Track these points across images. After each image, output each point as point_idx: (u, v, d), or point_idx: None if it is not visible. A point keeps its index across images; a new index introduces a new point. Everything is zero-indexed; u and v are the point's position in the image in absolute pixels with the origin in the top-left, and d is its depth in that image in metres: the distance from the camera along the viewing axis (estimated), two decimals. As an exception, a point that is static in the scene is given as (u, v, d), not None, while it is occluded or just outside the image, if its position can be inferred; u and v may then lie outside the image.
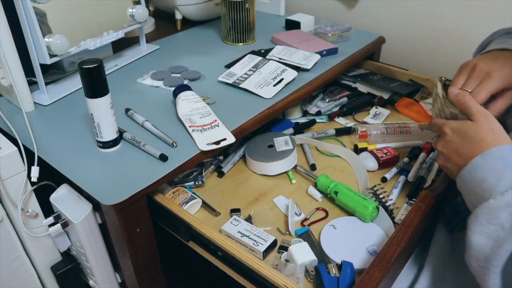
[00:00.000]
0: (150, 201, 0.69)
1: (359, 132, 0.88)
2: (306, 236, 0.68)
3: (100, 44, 0.90)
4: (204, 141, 0.72)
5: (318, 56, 0.98)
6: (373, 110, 1.00)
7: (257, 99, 0.86)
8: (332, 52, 1.04)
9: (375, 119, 0.97)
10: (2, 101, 0.85)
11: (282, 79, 0.89)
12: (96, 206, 0.68)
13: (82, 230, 0.68)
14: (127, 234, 0.65)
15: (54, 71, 0.95)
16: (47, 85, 0.89)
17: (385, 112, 0.99)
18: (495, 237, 0.49)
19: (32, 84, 0.85)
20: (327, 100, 1.04)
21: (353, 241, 0.67)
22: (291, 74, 0.91)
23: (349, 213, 0.72)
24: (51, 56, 0.80)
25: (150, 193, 0.69)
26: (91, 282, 0.82)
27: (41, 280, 0.81)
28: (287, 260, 0.62)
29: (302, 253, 0.61)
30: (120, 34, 0.94)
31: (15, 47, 0.75)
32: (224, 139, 0.73)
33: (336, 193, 0.72)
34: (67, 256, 0.81)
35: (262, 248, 0.63)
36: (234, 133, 0.75)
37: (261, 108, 0.82)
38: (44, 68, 0.87)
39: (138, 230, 0.67)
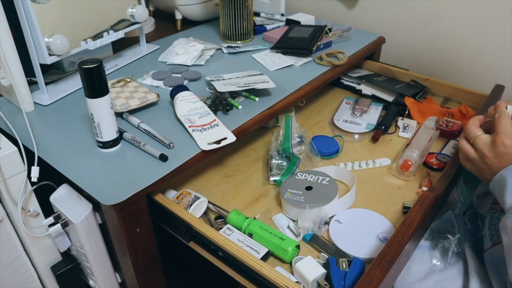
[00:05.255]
0: (150, 201, 0.69)
1: (401, 163, 0.80)
2: (315, 238, 0.67)
3: (100, 44, 0.90)
4: (205, 141, 0.72)
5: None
6: (400, 123, 0.95)
7: (257, 100, 0.86)
8: (327, 45, 1.07)
9: (406, 132, 0.93)
10: (2, 101, 0.85)
11: (253, 89, 0.85)
12: (96, 206, 0.68)
13: (82, 230, 0.68)
14: (127, 234, 0.65)
15: (54, 71, 0.95)
16: (47, 85, 0.89)
17: (412, 123, 0.95)
18: None
19: (32, 84, 0.85)
20: (358, 115, 0.97)
21: (361, 231, 0.68)
22: (265, 85, 0.86)
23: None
24: (51, 56, 0.80)
25: (150, 193, 0.69)
26: (91, 282, 0.82)
27: (41, 280, 0.81)
28: (297, 282, 0.61)
29: (310, 268, 0.60)
30: (120, 34, 0.94)
31: (15, 47, 0.75)
32: (225, 138, 0.73)
33: (250, 235, 0.66)
34: (67, 256, 0.81)
35: None
36: (234, 132, 0.75)
37: (261, 109, 0.82)
38: (44, 68, 0.87)
39: (138, 230, 0.67)
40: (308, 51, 1.01)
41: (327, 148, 0.87)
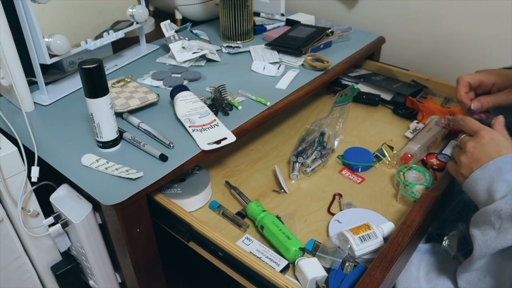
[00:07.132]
0: (150, 201, 0.69)
1: (401, 155, 0.82)
2: (317, 245, 0.66)
3: (100, 44, 0.90)
4: (205, 141, 0.72)
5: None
6: (413, 125, 0.94)
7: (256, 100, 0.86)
8: (327, 45, 1.07)
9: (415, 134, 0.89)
10: (2, 101, 0.85)
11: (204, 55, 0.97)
12: (96, 206, 0.68)
13: (82, 230, 0.68)
14: (127, 234, 0.65)
15: (54, 71, 0.95)
16: (47, 85, 0.89)
17: (421, 126, 0.93)
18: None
19: (32, 84, 0.85)
20: None
21: None
22: (212, 56, 0.99)
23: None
24: (51, 56, 0.80)
25: (150, 193, 0.69)
26: (91, 282, 0.82)
27: (41, 280, 0.81)
28: (297, 279, 0.61)
29: (312, 268, 0.60)
30: (120, 34, 0.94)
31: (15, 47, 0.75)
32: (225, 138, 0.73)
33: (262, 227, 0.68)
34: (67, 256, 0.81)
35: None
36: (234, 133, 0.75)
37: (261, 109, 0.82)
38: (44, 68, 0.87)
39: (138, 230, 0.67)
40: (297, 51, 1.00)
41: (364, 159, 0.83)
